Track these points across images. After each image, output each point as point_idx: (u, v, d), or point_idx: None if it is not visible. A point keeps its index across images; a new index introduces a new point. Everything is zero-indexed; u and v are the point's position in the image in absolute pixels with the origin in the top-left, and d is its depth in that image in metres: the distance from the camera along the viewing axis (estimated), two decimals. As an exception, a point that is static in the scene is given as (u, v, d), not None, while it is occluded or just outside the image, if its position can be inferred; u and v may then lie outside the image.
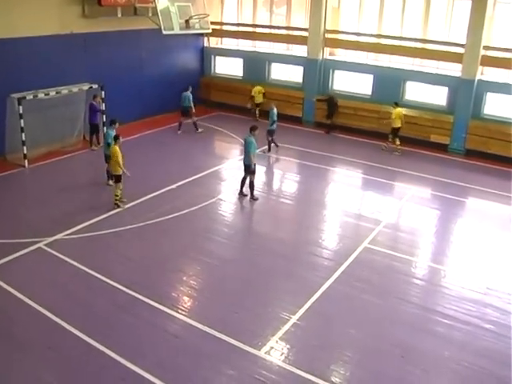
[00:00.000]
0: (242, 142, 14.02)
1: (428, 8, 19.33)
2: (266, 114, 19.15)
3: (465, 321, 9.20)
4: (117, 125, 14.71)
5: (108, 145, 14.19)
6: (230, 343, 8.39)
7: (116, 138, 13.46)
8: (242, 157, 14.52)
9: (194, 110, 19.91)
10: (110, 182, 14.47)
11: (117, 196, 13.33)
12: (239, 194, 14.37)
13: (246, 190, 14.28)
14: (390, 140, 18.80)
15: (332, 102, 20.78)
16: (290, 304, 9.51)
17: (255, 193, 14.24)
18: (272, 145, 18.24)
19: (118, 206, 13.31)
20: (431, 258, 11.74)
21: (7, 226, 12.28)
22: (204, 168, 16.38)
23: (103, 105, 18.06)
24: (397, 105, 18.78)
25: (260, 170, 15.50)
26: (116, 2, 18.69)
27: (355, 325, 9.03)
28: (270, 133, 17.97)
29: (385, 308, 9.56)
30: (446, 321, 9.19)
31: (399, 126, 18.55)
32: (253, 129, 13.98)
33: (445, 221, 13.68)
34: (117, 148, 13.11)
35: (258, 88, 22.06)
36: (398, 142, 18.63)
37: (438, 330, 8.95)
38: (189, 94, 19.78)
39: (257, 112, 22.02)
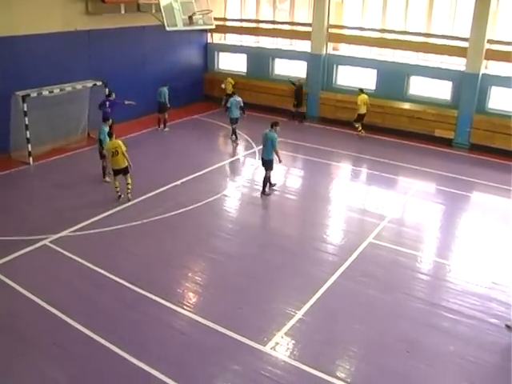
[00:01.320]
0: (262, 136, 13.97)
1: (432, 2, 19.25)
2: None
3: (470, 315, 9.19)
4: (110, 121, 14.96)
5: (100, 141, 14.36)
6: (236, 339, 8.41)
7: (110, 134, 13.58)
8: (260, 152, 14.47)
9: (168, 106, 19.69)
10: (107, 179, 14.66)
11: (129, 185, 13.46)
12: (265, 193, 14.22)
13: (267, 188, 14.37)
14: (359, 128, 19.75)
15: (299, 91, 21.19)
16: (296, 299, 9.52)
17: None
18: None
19: (129, 198, 13.51)
20: (436, 252, 11.72)
21: (12, 223, 12.32)
22: (208, 164, 16.39)
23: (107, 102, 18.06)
24: (362, 91, 19.39)
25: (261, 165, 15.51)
26: (119, -1, 18.72)
27: (360, 320, 9.04)
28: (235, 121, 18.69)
29: (390, 303, 9.56)
30: (450, 315, 9.18)
31: (364, 112, 19.36)
32: (275, 124, 13.92)
33: (449, 215, 13.65)
34: (120, 141, 13.21)
35: (229, 79, 22.59)
36: (359, 127, 19.66)
37: (442, 325, 8.95)
38: (165, 89, 19.58)
39: (223, 101, 22.02)
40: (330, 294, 9.76)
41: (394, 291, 9.91)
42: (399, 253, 11.35)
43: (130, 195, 13.57)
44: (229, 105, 18.76)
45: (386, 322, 9.00)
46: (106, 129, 14.45)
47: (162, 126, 20.00)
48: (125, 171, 13.44)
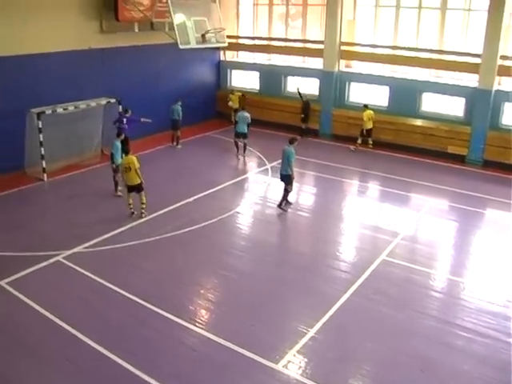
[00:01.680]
0: (282, 152, 14.13)
1: (444, 19, 19.32)
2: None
3: (484, 334, 9.10)
4: (123, 136, 15.18)
5: (112, 155, 14.63)
6: (248, 356, 8.38)
7: (127, 151, 13.78)
8: (280, 168, 14.55)
9: (180, 124, 19.97)
10: (119, 193, 14.89)
11: (143, 204, 13.56)
12: (281, 206, 14.28)
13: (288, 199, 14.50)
14: (359, 142, 19.87)
15: (307, 106, 21.45)
16: (308, 317, 9.48)
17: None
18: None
19: (144, 215, 13.61)
20: (450, 270, 11.64)
21: (27, 239, 12.44)
22: (221, 181, 16.45)
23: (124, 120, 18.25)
24: (366, 107, 19.69)
25: (275, 182, 15.56)
26: (133, 18, 19.00)
27: (373, 337, 8.98)
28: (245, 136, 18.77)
29: (403, 321, 9.48)
30: (465, 334, 9.09)
31: (371, 127, 19.63)
32: (293, 140, 14.13)
33: (463, 232, 13.57)
34: (134, 157, 13.32)
35: (235, 93, 22.80)
36: (370, 142, 19.96)
37: (456, 343, 8.86)
38: (178, 106, 19.82)
39: (233, 117, 22.07)
40: (342, 311, 9.71)
41: (407, 309, 9.84)
42: (412, 270, 11.29)
43: (143, 214, 13.64)
44: (237, 119, 18.95)
45: (398, 340, 8.93)
46: (118, 143, 14.69)
47: (175, 142, 20.18)
48: (138, 188, 13.51)
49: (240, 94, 22.89)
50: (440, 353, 8.62)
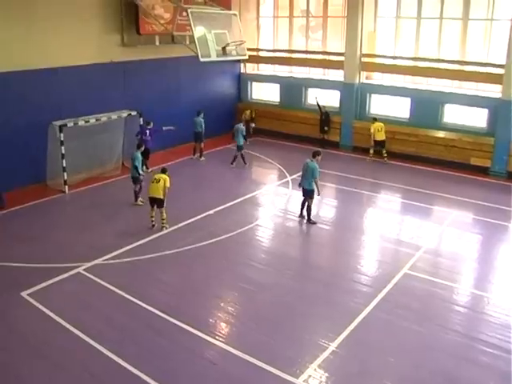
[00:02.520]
0: (304, 166, 14.20)
1: (465, 29, 19.24)
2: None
3: (510, 350, 8.91)
4: (143, 147, 15.46)
5: (135, 168, 14.89)
6: (268, 370, 8.34)
7: (164, 170, 13.92)
8: (300, 181, 14.58)
9: (203, 136, 20.19)
10: (139, 202, 15.22)
11: (163, 220, 13.74)
12: (300, 216, 14.58)
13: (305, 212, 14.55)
14: (371, 152, 20.17)
15: (327, 118, 21.75)
16: (329, 331, 9.42)
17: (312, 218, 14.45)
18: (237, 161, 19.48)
19: (165, 228, 13.76)
20: (474, 284, 11.49)
21: (48, 250, 12.60)
22: (241, 194, 16.50)
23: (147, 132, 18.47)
24: (375, 120, 19.86)
25: (295, 195, 15.54)
26: (154, 31, 19.28)
27: (395, 353, 8.88)
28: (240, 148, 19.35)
29: (425, 336, 9.36)
30: (489, 350, 8.93)
31: (383, 138, 19.73)
32: (316, 154, 14.19)
33: (487, 246, 13.39)
34: (167, 176, 13.55)
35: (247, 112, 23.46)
36: (384, 154, 19.97)
37: (481, 360, 8.71)
38: (200, 119, 20.01)
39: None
40: (363, 325, 9.62)
41: (429, 323, 9.72)
42: (435, 284, 11.16)
43: (164, 227, 13.76)
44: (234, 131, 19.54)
45: (421, 356, 8.81)
46: (139, 154, 15.03)
47: (197, 154, 20.36)
48: (159, 204, 13.60)
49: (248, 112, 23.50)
50: (464, 369, 8.49)
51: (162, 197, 13.47)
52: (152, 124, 17.98)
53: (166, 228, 13.75)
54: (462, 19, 19.31)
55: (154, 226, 13.81)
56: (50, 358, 8.68)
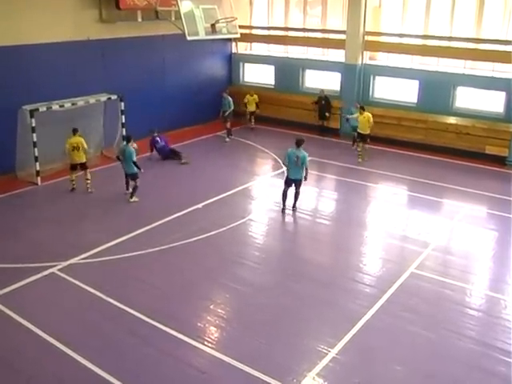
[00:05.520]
0: (290, 155, 14.21)
1: (482, 3, 19.11)
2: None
3: (528, 357, 8.96)
4: (132, 142, 15.43)
5: (133, 163, 15.13)
6: (262, 379, 8.32)
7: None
8: (288, 173, 14.59)
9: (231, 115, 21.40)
10: (135, 199, 15.26)
11: (89, 180, 15.72)
12: (283, 209, 14.62)
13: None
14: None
15: (328, 103, 21.80)
16: (329, 336, 9.41)
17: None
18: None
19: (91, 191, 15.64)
20: (488, 285, 11.50)
21: (18, 248, 12.50)
22: (233, 185, 16.46)
23: (123, 117, 18.38)
24: (363, 109, 19.05)
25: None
26: (136, 6, 19.12)
27: (402, 360, 8.88)
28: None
29: (435, 342, 9.37)
30: (506, 358, 8.93)
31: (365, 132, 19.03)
32: (301, 142, 14.28)
33: (503, 243, 13.39)
34: (82, 138, 15.51)
35: (252, 97, 22.93)
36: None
37: (498, 369, 8.68)
38: (228, 97, 21.32)
39: (250, 119, 23.25)
40: (367, 330, 9.63)
41: (439, 328, 9.73)
42: (445, 285, 11.18)
43: (89, 189, 15.71)
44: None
45: (431, 364, 8.82)
46: (132, 149, 15.11)
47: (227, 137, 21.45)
48: (82, 166, 15.65)
49: (256, 97, 22.97)
50: (478, 379, 8.49)
51: (84, 160, 15.56)
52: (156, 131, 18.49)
53: (92, 191, 15.51)
54: (478, -9, 19.25)
55: (74, 189, 15.70)
56: (19, 368, 8.60)
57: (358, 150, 19.18)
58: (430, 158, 19.26)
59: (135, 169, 15.11)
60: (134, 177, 15.22)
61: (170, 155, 18.72)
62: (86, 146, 15.56)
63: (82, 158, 15.55)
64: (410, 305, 10.43)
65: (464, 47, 19.41)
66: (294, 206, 14.64)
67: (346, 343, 9.21)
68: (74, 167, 15.69)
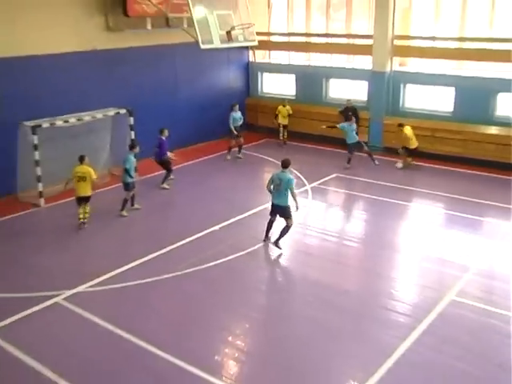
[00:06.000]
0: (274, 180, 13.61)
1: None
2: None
3: None
4: (137, 148, 15.86)
5: (126, 171, 15.39)
6: (286, 420, 8.22)
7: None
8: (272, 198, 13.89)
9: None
10: (124, 213, 15.69)
11: (87, 214, 15.06)
12: (265, 239, 14.07)
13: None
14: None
15: (356, 114, 21.50)
16: (359, 371, 9.26)
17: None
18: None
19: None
20: (538, 313, 11.29)
21: (19, 276, 12.53)
22: (251, 206, 16.43)
23: (132, 133, 18.47)
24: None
25: (317, 206, 15.49)
26: (145, 12, 19.27)
27: (442, 398, 8.72)
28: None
29: (480, 378, 9.13)
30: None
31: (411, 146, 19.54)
32: (288, 163, 13.51)
33: (552, 266, 13.20)
34: (90, 168, 14.84)
35: (285, 107, 22.79)
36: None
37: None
38: (238, 113, 21.21)
39: (281, 133, 23.04)
40: (402, 364, 9.44)
41: (486, 363, 9.50)
42: (490, 314, 10.97)
43: (85, 224, 14.96)
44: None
45: (475, 402, 8.64)
46: (132, 157, 15.43)
47: (237, 151, 21.37)
48: (87, 200, 14.96)
49: (289, 108, 22.89)
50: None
51: (89, 194, 14.90)
52: (166, 132, 18.11)
53: (84, 228, 14.86)
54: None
55: (84, 223, 14.89)
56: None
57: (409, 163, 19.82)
58: (469, 173, 19.09)
59: (128, 178, 15.39)
60: (125, 187, 15.56)
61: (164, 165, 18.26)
62: (94, 176, 14.81)
63: (87, 192, 14.82)
64: (450, 336, 10.22)
65: (505, 49, 19.18)
66: (276, 241, 13.69)
67: (378, 380, 9.02)
68: (79, 201, 14.90)
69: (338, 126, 19.88)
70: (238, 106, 21.41)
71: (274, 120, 22.81)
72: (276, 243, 13.68)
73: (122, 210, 15.62)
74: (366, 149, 20.01)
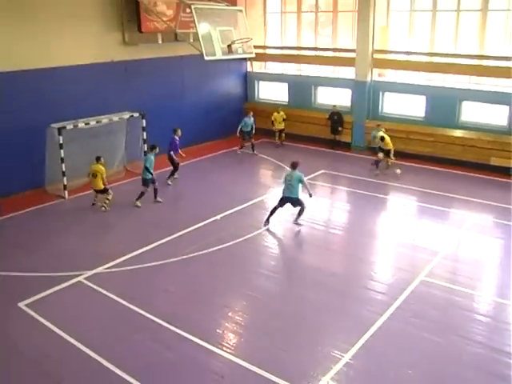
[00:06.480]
0: (284, 178, 14.38)
1: (484, 21, 19.09)
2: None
3: (536, 362, 8.81)
4: (157, 149, 15.92)
5: (146, 168, 15.51)
6: (278, 383, 8.27)
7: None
8: (284, 194, 14.43)
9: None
10: (138, 203, 15.74)
11: (108, 200, 15.48)
12: (266, 223, 14.50)
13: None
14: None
15: (341, 118, 21.73)
16: (342, 342, 9.34)
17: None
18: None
19: (104, 208, 15.42)
20: (496, 291, 11.34)
21: (46, 259, 12.59)
22: (249, 198, 16.46)
23: (144, 134, 18.48)
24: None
25: (305, 199, 15.44)
26: (156, 29, 19.27)
27: (413, 365, 8.78)
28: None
29: (445, 347, 9.26)
30: (514, 362, 8.82)
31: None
32: (296, 165, 14.29)
33: (510, 250, 13.22)
34: (102, 166, 15.35)
35: (279, 114, 22.57)
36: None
37: (507, 374, 8.54)
38: (251, 119, 21.26)
39: (280, 137, 22.82)
40: (379, 336, 9.53)
41: (449, 334, 9.61)
42: (454, 292, 11.05)
43: (103, 207, 15.39)
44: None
45: (441, 368, 8.70)
46: (152, 157, 15.60)
47: (250, 150, 21.28)
48: (102, 191, 15.52)
49: (283, 114, 22.68)
50: (488, 383, 8.37)
51: (102, 187, 15.40)
52: (179, 132, 17.88)
53: (105, 208, 15.31)
54: (480, 10, 19.17)
55: (94, 204, 15.67)
56: (49, 372, 8.64)
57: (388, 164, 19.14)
58: (438, 170, 19.14)
59: (147, 175, 15.58)
60: (143, 182, 15.72)
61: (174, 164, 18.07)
62: (104, 174, 15.44)
63: (98, 186, 15.42)
64: (421, 311, 10.31)
65: (468, 64, 19.35)
66: (296, 220, 14.43)
67: (358, 349, 9.12)
68: (95, 192, 15.72)
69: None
70: (251, 113, 21.38)
71: (273, 127, 22.64)
72: (296, 222, 14.39)
73: (137, 200, 15.69)
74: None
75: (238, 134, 21.16)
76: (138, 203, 15.69)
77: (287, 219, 14.96)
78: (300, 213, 14.37)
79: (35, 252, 12.94)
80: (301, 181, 14.16)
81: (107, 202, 15.42)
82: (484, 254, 12.88)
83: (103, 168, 15.43)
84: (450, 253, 12.93)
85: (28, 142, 16.37)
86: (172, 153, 17.63)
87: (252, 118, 21.25)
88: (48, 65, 16.71)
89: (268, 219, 14.48)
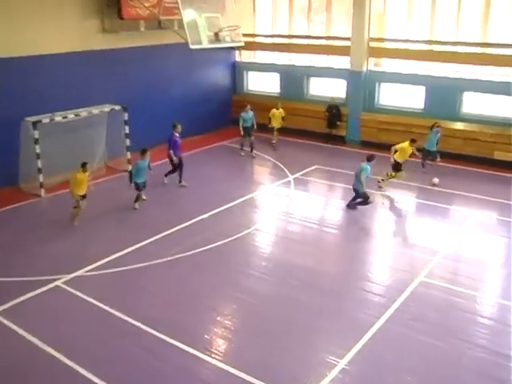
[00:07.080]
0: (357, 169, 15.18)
1: (488, 6, 19.12)
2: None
3: (541, 366, 8.89)
4: (148, 153, 15.53)
5: (131, 174, 15.51)
6: (270, 392, 8.31)
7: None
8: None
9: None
10: (136, 206, 15.48)
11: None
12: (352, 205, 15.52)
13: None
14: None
15: (339, 111, 21.86)
16: (338, 346, 9.37)
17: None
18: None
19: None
20: (500, 293, 11.40)
21: (21, 261, 12.51)
22: (238, 195, 16.46)
23: (126, 128, 18.39)
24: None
25: (297, 196, 15.59)
26: (139, 15, 19.21)
27: (412, 370, 8.83)
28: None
29: (446, 351, 9.31)
30: (518, 366, 8.90)
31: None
32: (371, 158, 15.33)
33: (513, 249, 13.37)
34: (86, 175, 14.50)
35: (278, 110, 21.83)
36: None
37: (509, 378, 8.61)
38: (250, 113, 20.62)
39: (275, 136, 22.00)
40: (377, 340, 9.58)
41: (449, 337, 9.68)
42: (455, 293, 11.13)
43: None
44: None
45: (442, 374, 8.77)
46: (142, 163, 15.35)
47: (249, 149, 20.76)
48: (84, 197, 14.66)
49: (283, 111, 21.78)
50: (491, 388, 8.45)
51: (85, 192, 14.59)
52: (179, 127, 17.44)
53: (71, 221, 14.44)
54: (483, -5, 19.23)
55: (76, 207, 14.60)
56: (26, 381, 8.61)
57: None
58: (438, 165, 19.18)
59: (139, 179, 15.41)
60: (136, 187, 15.54)
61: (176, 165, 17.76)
62: (89, 182, 14.82)
63: (82, 191, 14.55)
64: (420, 314, 10.38)
65: (470, 52, 19.41)
66: (354, 205, 15.47)
67: (355, 354, 9.16)
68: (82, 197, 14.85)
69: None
70: (249, 107, 20.72)
71: (269, 124, 21.84)
72: (354, 206, 15.52)
73: (135, 202, 15.56)
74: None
75: (241, 133, 20.60)
76: (137, 205, 15.53)
77: (277, 217, 15.00)
78: (357, 203, 15.36)
79: (9, 255, 12.85)
80: (361, 173, 14.92)
81: (75, 211, 14.55)
82: (486, 254, 12.97)
83: (88, 176, 14.68)
84: (450, 252, 13.01)
85: (0, 136, 16.22)
86: (171, 152, 17.22)
87: (251, 112, 20.57)
88: (21, 53, 16.52)
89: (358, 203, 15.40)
